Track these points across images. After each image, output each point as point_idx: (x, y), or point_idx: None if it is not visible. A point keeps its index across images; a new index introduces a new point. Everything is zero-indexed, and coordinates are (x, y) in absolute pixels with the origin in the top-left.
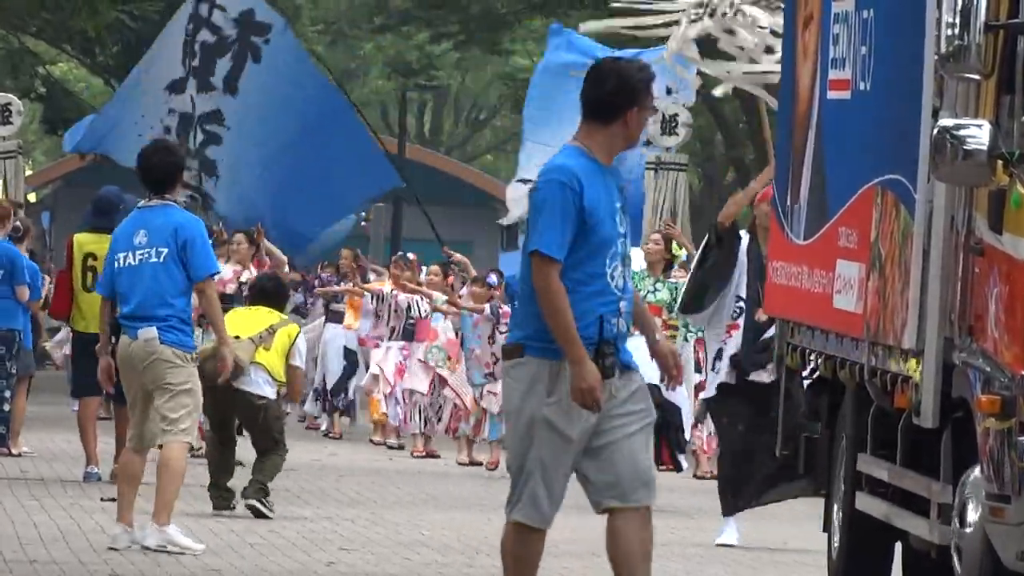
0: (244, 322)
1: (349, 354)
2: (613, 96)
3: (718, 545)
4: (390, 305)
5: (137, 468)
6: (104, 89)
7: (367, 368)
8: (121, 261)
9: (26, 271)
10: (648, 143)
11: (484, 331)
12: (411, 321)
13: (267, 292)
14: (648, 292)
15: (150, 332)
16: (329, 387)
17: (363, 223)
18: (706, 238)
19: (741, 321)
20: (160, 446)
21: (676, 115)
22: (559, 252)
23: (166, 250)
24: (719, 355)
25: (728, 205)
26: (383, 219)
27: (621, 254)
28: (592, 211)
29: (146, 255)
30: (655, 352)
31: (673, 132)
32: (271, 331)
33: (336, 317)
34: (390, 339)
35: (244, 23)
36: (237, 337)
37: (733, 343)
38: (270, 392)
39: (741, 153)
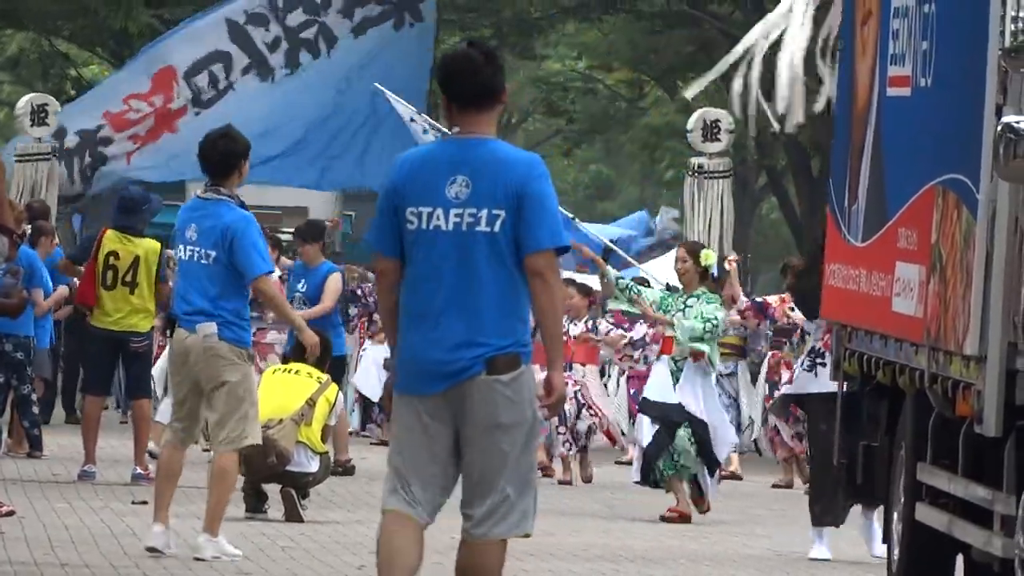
0: (282, 392)
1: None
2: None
3: (811, 559)
4: None
5: (178, 466)
6: None
7: None
8: (178, 253)
9: (44, 276)
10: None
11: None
12: None
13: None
14: (678, 311)
15: (210, 327)
16: (374, 399)
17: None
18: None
19: None
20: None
21: (718, 121)
22: None
23: (214, 253)
24: (819, 354)
25: None
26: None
27: None
28: None
29: (196, 253)
30: (549, 381)
31: (715, 138)
32: (311, 403)
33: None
34: None
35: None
36: (280, 420)
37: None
38: (315, 466)
39: (774, 160)
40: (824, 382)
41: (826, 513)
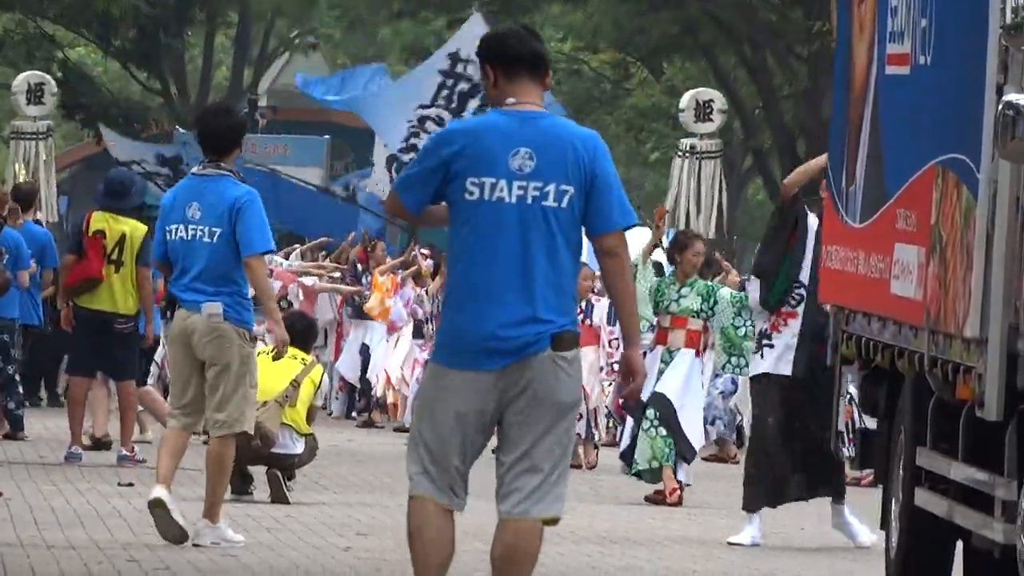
0: (267, 373)
1: (363, 348)
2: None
3: (729, 543)
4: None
5: (183, 443)
6: (121, 73)
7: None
8: (173, 233)
9: (28, 256)
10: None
11: None
12: None
13: (294, 332)
14: (671, 301)
15: (215, 307)
16: (357, 385)
17: None
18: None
19: (800, 310)
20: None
21: (711, 101)
22: None
23: (219, 230)
24: (766, 336)
25: (795, 172)
26: None
27: None
28: None
29: (199, 232)
30: (628, 359)
31: (708, 119)
32: (296, 385)
33: (362, 314)
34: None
35: None
36: (265, 403)
37: (788, 332)
38: (299, 448)
39: (759, 141)
40: (769, 363)
41: (757, 499)
